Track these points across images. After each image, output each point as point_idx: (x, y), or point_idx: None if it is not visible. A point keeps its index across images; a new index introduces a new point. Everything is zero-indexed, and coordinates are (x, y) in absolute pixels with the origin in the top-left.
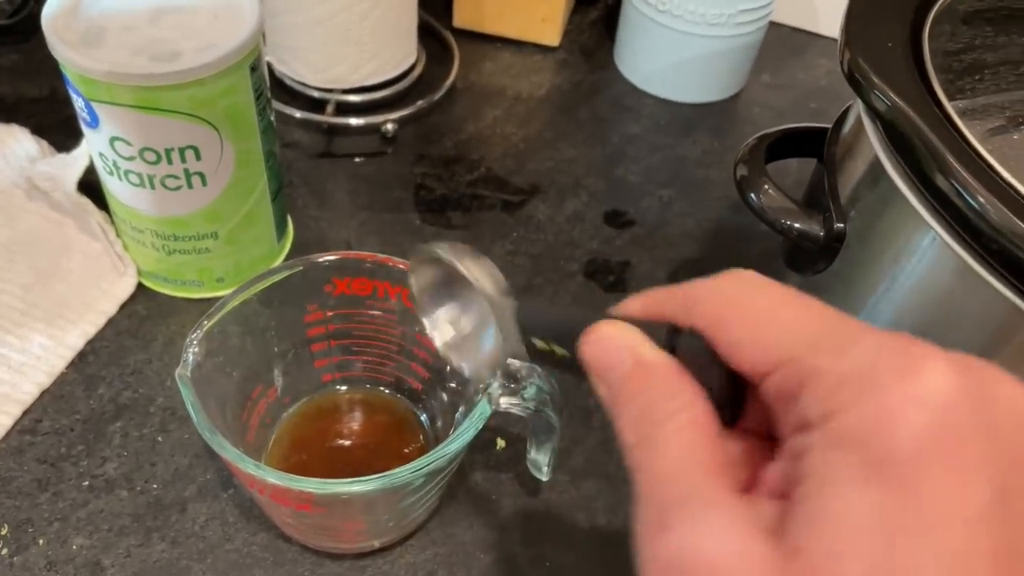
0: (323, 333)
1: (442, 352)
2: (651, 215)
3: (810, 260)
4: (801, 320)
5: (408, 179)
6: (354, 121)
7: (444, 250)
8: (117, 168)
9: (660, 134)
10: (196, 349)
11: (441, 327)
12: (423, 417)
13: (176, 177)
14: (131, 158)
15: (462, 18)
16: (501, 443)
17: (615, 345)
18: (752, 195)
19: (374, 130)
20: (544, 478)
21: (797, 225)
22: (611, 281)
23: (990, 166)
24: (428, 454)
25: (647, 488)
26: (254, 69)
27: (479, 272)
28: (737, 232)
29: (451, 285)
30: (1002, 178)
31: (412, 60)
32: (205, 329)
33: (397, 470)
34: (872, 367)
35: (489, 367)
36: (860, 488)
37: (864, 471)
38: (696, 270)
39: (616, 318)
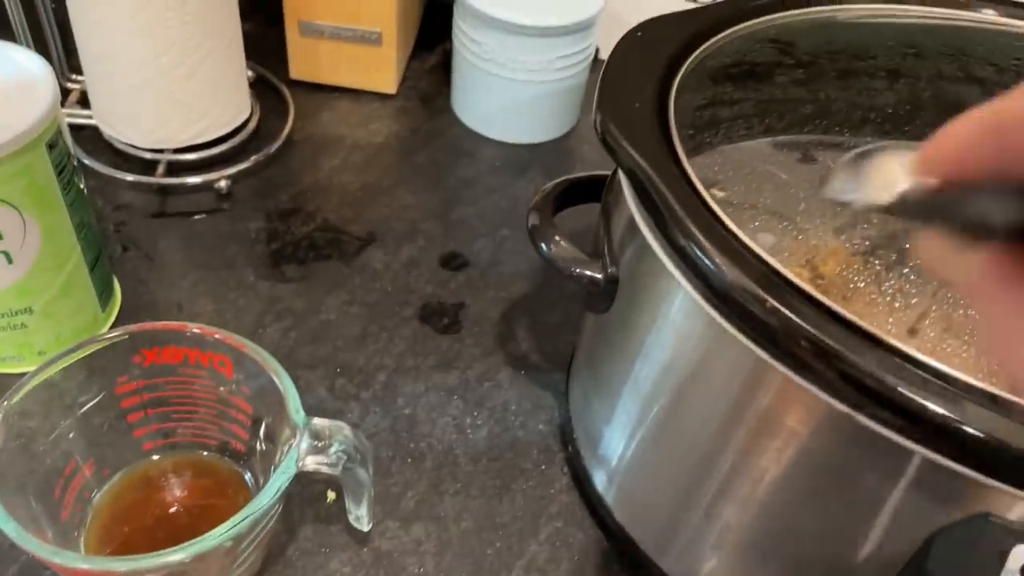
0: (138, 403)
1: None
2: (485, 256)
3: (598, 301)
4: None
5: (243, 235)
6: (190, 179)
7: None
8: None
9: (496, 176)
10: None
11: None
12: (248, 476)
13: None
14: None
15: (297, 70)
16: (332, 495)
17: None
18: (542, 244)
19: (209, 187)
20: (365, 529)
21: (583, 272)
22: (445, 323)
23: (723, 223)
24: (234, 517)
25: None
26: (52, 146)
27: None
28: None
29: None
30: (732, 234)
31: (245, 115)
32: (4, 410)
33: (203, 536)
34: None
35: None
36: None
37: None
38: (526, 307)
39: None
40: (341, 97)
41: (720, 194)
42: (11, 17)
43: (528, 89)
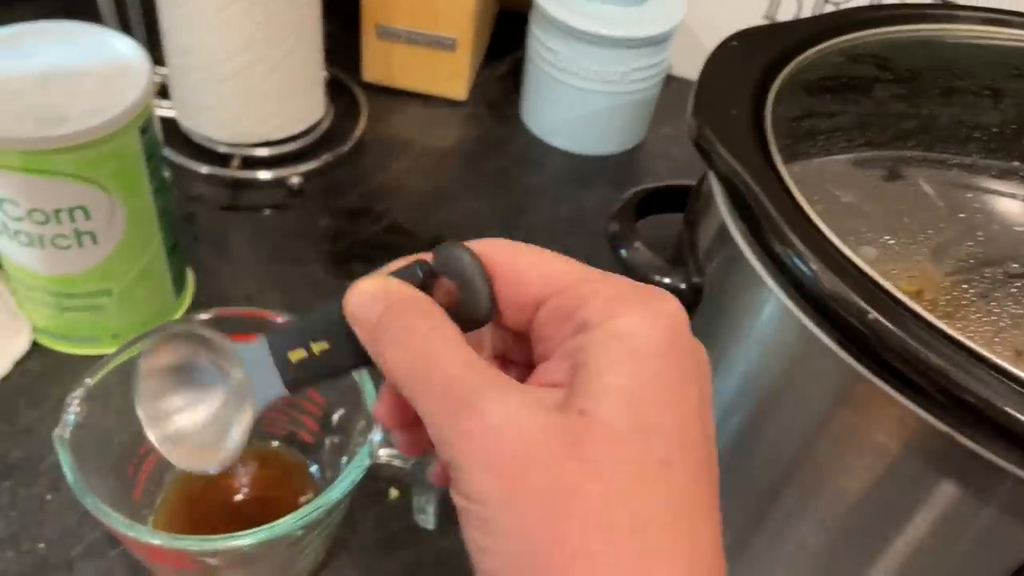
0: None
1: (159, 446)
2: None
3: None
4: (567, 263)
5: (313, 232)
6: (261, 175)
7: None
8: (6, 228)
9: (562, 185)
10: (76, 408)
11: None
12: (314, 468)
13: (66, 237)
14: (19, 219)
15: (371, 73)
16: (394, 493)
17: (368, 291)
18: (622, 250)
19: (280, 183)
20: (430, 527)
21: (662, 280)
22: None
23: (818, 229)
24: (305, 507)
25: (438, 393)
26: (144, 131)
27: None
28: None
29: (183, 372)
30: (828, 241)
31: (319, 115)
32: (87, 388)
33: (275, 523)
34: (634, 290)
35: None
36: (631, 367)
37: (634, 357)
38: None
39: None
40: (411, 101)
41: (819, 205)
42: (101, 8)
43: (600, 100)
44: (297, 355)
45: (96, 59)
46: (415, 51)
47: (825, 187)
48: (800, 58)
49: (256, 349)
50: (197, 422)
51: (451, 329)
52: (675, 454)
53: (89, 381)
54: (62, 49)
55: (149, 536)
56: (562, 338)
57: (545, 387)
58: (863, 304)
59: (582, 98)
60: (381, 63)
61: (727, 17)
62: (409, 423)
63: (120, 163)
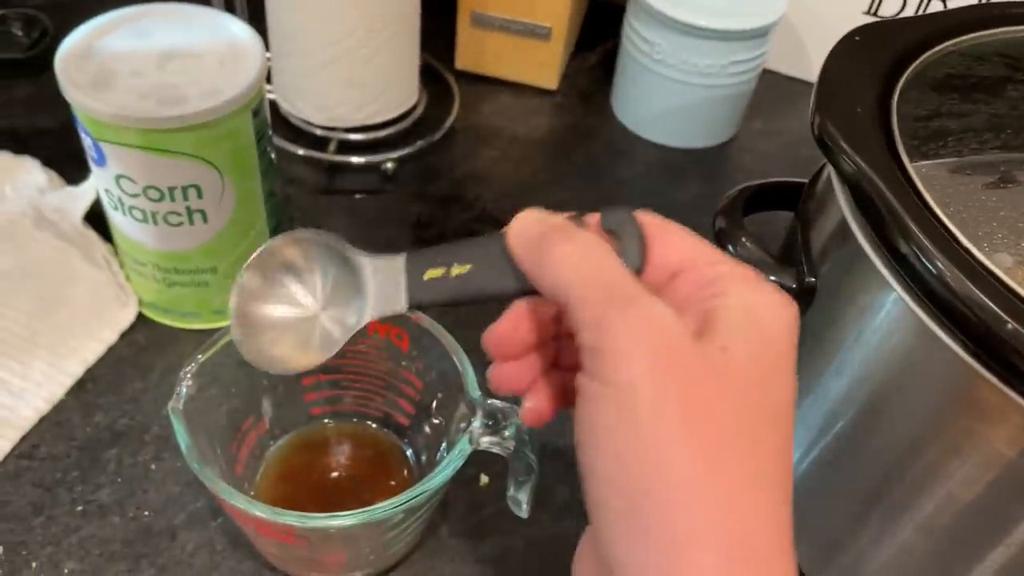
0: (314, 368)
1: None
2: None
3: None
4: (708, 244)
5: (405, 217)
6: (355, 159)
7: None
8: (122, 204)
9: (652, 178)
10: (189, 382)
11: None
12: (409, 452)
13: (178, 214)
14: (135, 195)
15: (463, 60)
16: (485, 479)
17: (535, 215)
18: (730, 246)
19: (374, 168)
20: (523, 515)
21: (771, 278)
22: None
23: (950, 232)
24: (407, 491)
25: (604, 285)
26: (256, 113)
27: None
28: None
29: (295, 273)
30: (960, 244)
31: (413, 101)
32: (199, 363)
33: (377, 506)
34: (764, 281)
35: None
36: (759, 336)
37: (761, 331)
38: None
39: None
40: (503, 90)
41: (950, 207)
42: None
43: (695, 93)
44: (433, 273)
45: (211, 41)
46: (509, 39)
47: (955, 189)
48: (925, 55)
49: (389, 261)
50: (290, 318)
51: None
52: (781, 420)
53: (201, 357)
54: (179, 30)
55: (256, 509)
56: (697, 300)
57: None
58: (998, 310)
59: (677, 90)
60: (474, 51)
61: (826, 12)
62: (518, 352)
63: (233, 144)
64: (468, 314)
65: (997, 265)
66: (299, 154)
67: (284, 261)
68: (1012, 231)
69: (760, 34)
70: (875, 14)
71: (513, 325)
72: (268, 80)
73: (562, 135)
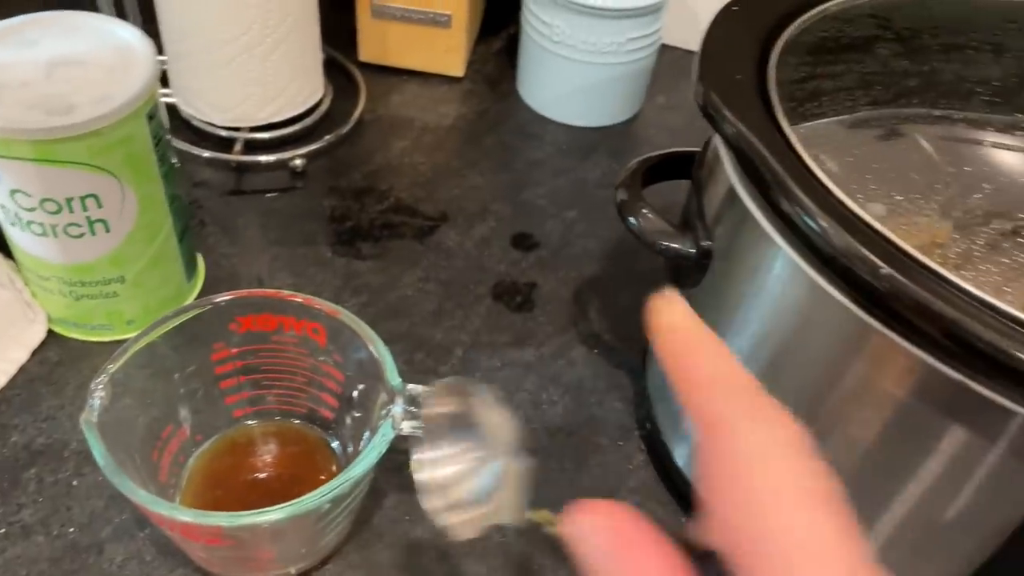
0: (231, 370)
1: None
2: (555, 237)
3: (686, 276)
4: (798, 517)
5: (319, 212)
6: (263, 158)
7: (473, 389)
8: (19, 219)
9: (563, 158)
10: (101, 394)
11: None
12: (335, 444)
13: (78, 225)
14: (32, 209)
15: (367, 53)
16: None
17: (599, 522)
18: (631, 218)
19: (283, 166)
20: None
21: (671, 245)
22: (519, 302)
23: (825, 187)
24: (332, 480)
25: None
26: (151, 117)
27: (502, 424)
28: (635, 250)
29: (463, 426)
30: (839, 200)
31: (319, 96)
32: (110, 373)
33: (303, 498)
34: None
35: (473, 524)
36: None
37: None
38: (598, 287)
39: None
40: (409, 80)
41: (826, 164)
42: (98, 1)
43: (596, 72)
44: (533, 517)
45: (99, 48)
46: (411, 29)
47: (831, 147)
48: (800, 20)
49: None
50: (462, 475)
51: None
52: None
53: (111, 367)
54: (65, 39)
55: (180, 513)
56: None
57: None
58: (875, 259)
59: (578, 70)
60: (377, 42)
61: None
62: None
63: (129, 149)
64: (390, 306)
65: (871, 215)
66: (205, 156)
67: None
68: (884, 181)
69: (653, 10)
70: None
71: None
72: (166, 84)
73: (472, 121)
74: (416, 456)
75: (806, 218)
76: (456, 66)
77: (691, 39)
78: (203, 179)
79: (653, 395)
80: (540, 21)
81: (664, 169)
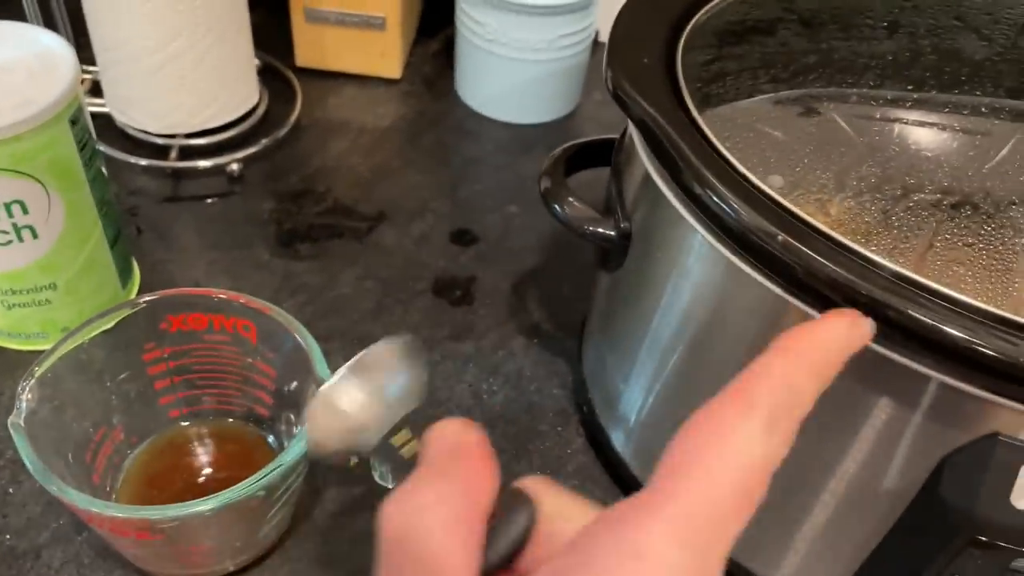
0: (164, 370)
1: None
2: (494, 231)
3: (611, 259)
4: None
5: (256, 216)
6: (200, 164)
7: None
8: None
9: (501, 155)
10: (28, 396)
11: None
12: (271, 439)
13: (5, 232)
14: None
15: (304, 57)
16: (354, 460)
17: (451, 427)
18: (556, 205)
19: (221, 171)
20: (391, 485)
21: (595, 229)
22: (458, 296)
23: (734, 168)
24: (262, 469)
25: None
26: (74, 122)
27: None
28: (573, 241)
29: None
30: (746, 179)
31: (253, 101)
32: (36, 375)
33: (234, 487)
34: None
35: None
36: None
37: None
38: (537, 279)
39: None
40: (347, 83)
41: (729, 142)
42: (25, 8)
43: (530, 69)
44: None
45: (20, 54)
46: (346, 33)
47: (735, 125)
48: (709, 6)
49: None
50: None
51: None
52: None
53: (38, 369)
54: None
55: (110, 509)
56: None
57: None
58: (772, 228)
59: (513, 68)
60: (313, 47)
61: None
62: None
63: (53, 155)
64: (330, 304)
65: (770, 186)
66: (142, 164)
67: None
68: (782, 154)
69: (584, 6)
70: None
71: None
72: (99, 94)
73: (411, 122)
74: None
75: (711, 194)
76: (392, 68)
77: None
78: (139, 187)
79: (589, 380)
80: (473, 20)
81: (586, 157)
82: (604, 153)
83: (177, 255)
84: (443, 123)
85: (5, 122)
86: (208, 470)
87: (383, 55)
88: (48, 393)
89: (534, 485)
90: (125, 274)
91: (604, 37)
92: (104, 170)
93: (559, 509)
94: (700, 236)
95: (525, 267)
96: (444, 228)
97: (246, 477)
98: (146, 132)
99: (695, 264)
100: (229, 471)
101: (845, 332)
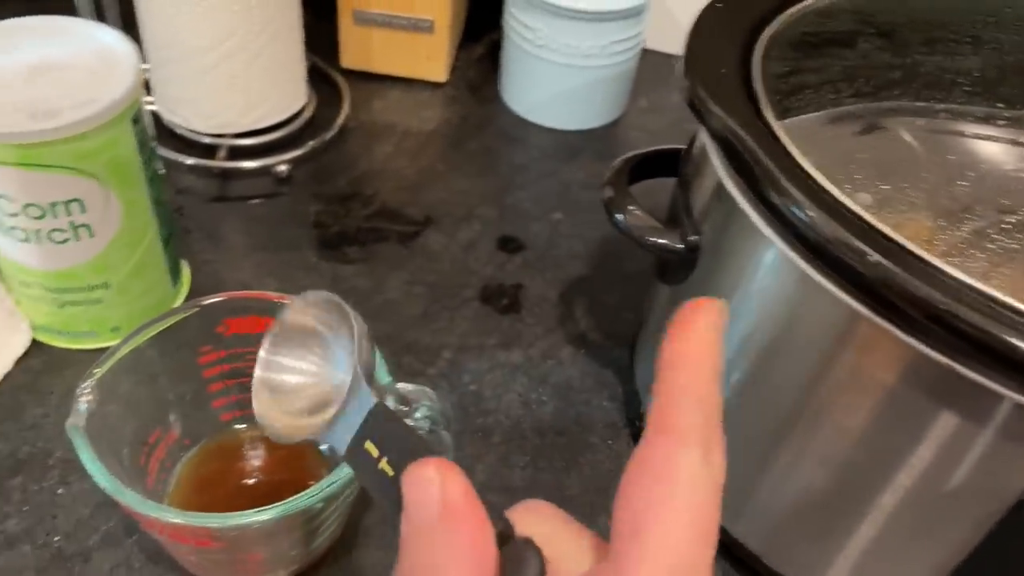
0: (219, 373)
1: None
2: (541, 239)
3: (674, 272)
4: None
5: (303, 218)
6: (247, 164)
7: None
8: (2, 225)
9: (547, 161)
10: (88, 398)
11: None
12: (324, 448)
13: (62, 231)
14: (15, 214)
15: (349, 59)
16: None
17: (432, 486)
18: (618, 215)
19: (267, 172)
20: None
21: (658, 240)
22: (505, 304)
23: (813, 179)
24: (323, 480)
25: None
26: (135, 121)
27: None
28: (620, 250)
29: (309, 342)
30: (826, 191)
31: (302, 102)
32: (96, 378)
33: (294, 498)
34: None
35: (297, 432)
36: None
37: None
38: (584, 288)
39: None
40: (392, 86)
41: (812, 156)
42: (77, 4)
43: (579, 75)
44: (370, 448)
45: (82, 52)
46: (393, 35)
47: (816, 139)
48: (782, 16)
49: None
50: (295, 386)
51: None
52: None
53: (98, 371)
54: (46, 44)
55: (171, 515)
56: None
57: None
58: (864, 247)
59: (561, 74)
60: (359, 49)
61: None
62: None
63: (114, 154)
64: (377, 309)
65: (858, 205)
66: (188, 163)
67: (303, 323)
68: (870, 171)
69: (635, 13)
70: None
71: None
72: (149, 91)
73: (455, 126)
74: (262, 354)
75: (795, 209)
76: (439, 71)
77: (672, 43)
78: (187, 186)
79: (642, 392)
80: (522, 25)
81: (649, 167)
82: (667, 163)
83: (224, 255)
84: (488, 128)
85: (68, 120)
86: (259, 475)
87: (429, 58)
88: (106, 395)
89: (538, 521)
90: (175, 274)
91: (652, 45)
92: (160, 170)
93: (564, 551)
94: (776, 250)
95: (572, 275)
96: (491, 235)
97: (297, 482)
98: (195, 131)
99: (767, 278)
100: (280, 476)
101: (715, 317)
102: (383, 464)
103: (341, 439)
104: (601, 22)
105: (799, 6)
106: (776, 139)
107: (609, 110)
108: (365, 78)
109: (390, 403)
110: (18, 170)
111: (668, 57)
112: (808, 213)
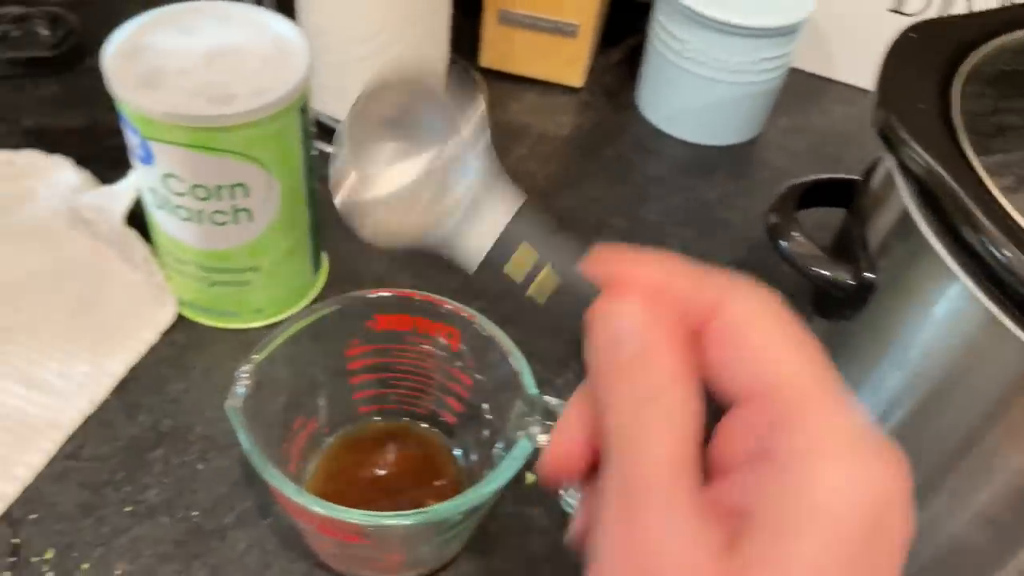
0: (363, 366)
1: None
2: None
3: (837, 306)
4: (800, 361)
5: None
6: None
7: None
8: (168, 203)
9: (681, 175)
10: (247, 382)
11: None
12: (456, 451)
13: (224, 213)
14: (182, 194)
15: (489, 58)
16: (531, 477)
17: (627, 325)
18: (783, 242)
19: None
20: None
21: (826, 273)
22: None
23: (1016, 222)
24: (470, 490)
25: (622, 473)
26: (303, 111)
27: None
28: (755, 273)
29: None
30: None
31: None
32: (256, 362)
33: (441, 505)
34: (849, 429)
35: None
36: (816, 544)
37: (822, 531)
38: None
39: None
40: (528, 88)
41: (1013, 196)
42: None
43: (723, 90)
44: (519, 264)
45: (256, 38)
46: (535, 37)
47: (1018, 181)
48: (978, 52)
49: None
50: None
51: (683, 415)
52: None
53: (257, 356)
54: (223, 28)
55: (323, 508)
56: (746, 456)
57: (717, 512)
58: None
59: (706, 87)
60: (500, 49)
61: (850, 10)
62: (581, 474)
63: (281, 142)
64: (508, 313)
65: None
66: (327, 152)
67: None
68: None
69: (789, 31)
70: (899, 12)
71: (569, 447)
72: None
73: (589, 133)
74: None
75: (992, 248)
76: (576, 76)
77: (818, 63)
78: (325, 175)
79: None
80: (669, 35)
81: (812, 196)
82: (833, 193)
83: (359, 247)
84: (622, 137)
85: (245, 107)
86: (390, 470)
87: (569, 62)
88: (262, 379)
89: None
90: (316, 262)
91: (796, 63)
92: (315, 159)
93: (769, 341)
94: (965, 289)
95: None
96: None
97: (425, 481)
98: (338, 120)
99: (950, 318)
100: (411, 474)
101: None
102: (541, 275)
103: (467, 226)
104: (755, 38)
105: (995, 42)
106: (976, 176)
107: (749, 127)
108: (501, 78)
109: (536, 419)
110: (190, 151)
111: (812, 77)
112: (1008, 255)
